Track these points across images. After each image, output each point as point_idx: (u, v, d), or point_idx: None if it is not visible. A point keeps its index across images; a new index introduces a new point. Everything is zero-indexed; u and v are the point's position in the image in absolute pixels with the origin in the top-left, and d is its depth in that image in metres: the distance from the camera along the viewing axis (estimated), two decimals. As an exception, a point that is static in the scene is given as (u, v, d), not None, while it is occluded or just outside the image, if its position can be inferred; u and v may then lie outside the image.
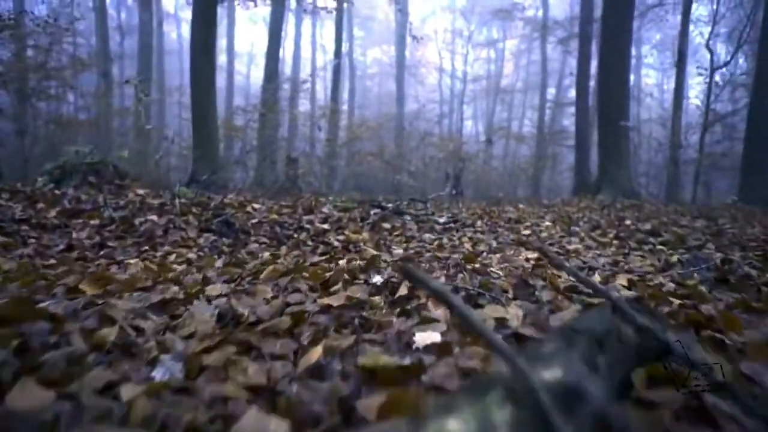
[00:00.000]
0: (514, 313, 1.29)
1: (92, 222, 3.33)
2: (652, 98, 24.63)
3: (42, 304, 1.23)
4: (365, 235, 3.54)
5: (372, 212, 4.66)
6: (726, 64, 14.40)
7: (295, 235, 3.53)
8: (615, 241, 3.63)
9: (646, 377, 0.82)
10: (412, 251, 2.85)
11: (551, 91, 25.09)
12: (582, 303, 1.43)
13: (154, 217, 3.54)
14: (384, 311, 1.30)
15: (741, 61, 17.14)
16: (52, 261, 2.45)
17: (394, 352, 1.00)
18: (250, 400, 0.78)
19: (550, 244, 3.51)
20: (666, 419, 0.73)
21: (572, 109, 17.72)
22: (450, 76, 30.25)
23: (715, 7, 14.33)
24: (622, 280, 1.86)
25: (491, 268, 2.10)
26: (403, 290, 1.45)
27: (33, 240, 2.91)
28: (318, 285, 1.63)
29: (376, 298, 1.41)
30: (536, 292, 1.56)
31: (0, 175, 8.28)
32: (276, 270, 1.83)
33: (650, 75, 29.41)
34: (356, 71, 29.30)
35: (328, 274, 1.72)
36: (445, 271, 2.02)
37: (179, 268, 2.28)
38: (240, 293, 1.50)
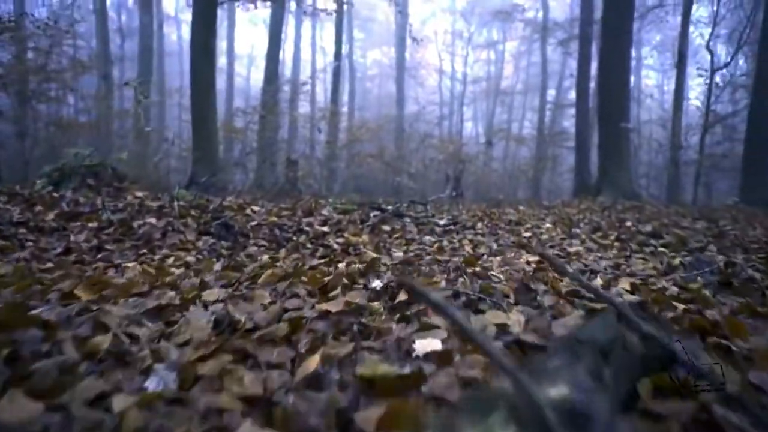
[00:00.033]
0: (515, 319, 1.26)
1: (90, 225, 3.31)
2: (652, 99, 24.62)
3: (35, 311, 1.21)
4: (365, 237, 3.52)
5: (372, 214, 4.64)
6: (726, 65, 14.39)
7: (295, 238, 3.51)
8: (616, 243, 3.60)
9: (652, 387, 0.80)
10: (412, 254, 2.83)
11: (551, 93, 25.09)
12: (584, 308, 1.41)
13: (153, 220, 3.52)
14: (383, 317, 1.28)
15: (741, 62, 17.11)
16: (49, 265, 2.42)
17: (394, 361, 0.98)
18: (245, 412, 0.76)
19: (551, 247, 3.49)
20: (674, 432, 0.71)
21: (572, 111, 17.71)
22: (450, 78, 30.26)
23: (715, 8, 14.32)
24: (624, 283, 1.84)
25: (492, 272, 2.08)
26: (402, 295, 1.43)
27: (30, 243, 2.88)
28: (316, 290, 1.61)
29: (376, 304, 1.39)
30: (538, 297, 1.54)
31: (0, 177, 8.27)
32: (274, 274, 1.81)
33: (650, 76, 29.40)
34: (356, 73, 29.30)
35: (326, 279, 1.70)
36: (445, 275, 2.00)
37: (177, 271, 2.26)
38: (237, 298, 1.48)
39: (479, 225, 4.60)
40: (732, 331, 1.19)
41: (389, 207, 5.09)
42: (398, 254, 2.81)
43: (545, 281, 1.77)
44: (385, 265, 2.30)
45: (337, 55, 17.59)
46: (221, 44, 24.53)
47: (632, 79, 15.05)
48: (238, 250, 3.10)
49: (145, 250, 2.93)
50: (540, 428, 0.41)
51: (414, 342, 1.05)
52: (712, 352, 1.06)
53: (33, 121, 10.96)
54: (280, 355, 0.99)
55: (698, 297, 1.64)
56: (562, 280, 1.80)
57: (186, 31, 21.94)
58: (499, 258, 2.72)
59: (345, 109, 23.62)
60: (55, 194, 4.33)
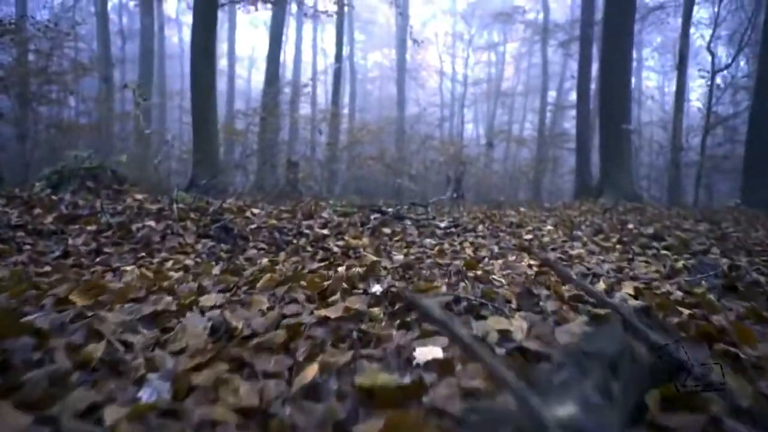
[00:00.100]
0: (518, 325, 1.24)
1: (89, 228, 3.29)
2: (653, 101, 24.58)
3: (29, 317, 1.19)
4: (365, 240, 3.50)
5: (372, 217, 4.62)
6: (727, 66, 14.36)
7: (294, 241, 3.49)
8: (618, 246, 3.58)
9: (660, 398, 0.77)
10: (412, 257, 2.80)
11: (552, 94, 25.07)
12: (588, 314, 1.38)
13: (152, 223, 3.50)
14: (383, 323, 1.26)
15: (742, 63, 17.09)
16: (47, 268, 2.40)
17: (394, 369, 0.96)
18: (240, 424, 0.74)
19: (553, 249, 3.47)
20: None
21: (573, 112, 17.70)
22: (451, 80, 30.25)
23: (716, 9, 14.29)
24: (628, 288, 1.81)
25: (493, 276, 2.06)
26: (405, 291, 1.40)
27: (28, 247, 2.86)
28: (316, 294, 1.58)
29: (376, 310, 1.36)
30: (540, 302, 1.52)
31: (0, 179, 8.25)
32: (273, 279, 1.79)
33: (651, 78, 29.37)
34: (357, 75, 29.31)
35: (326, 283, 1.68)
36: (446, 279, 1.98)
37: (176, 275, 2.24)
38: (235, 304, 1.45)
39: (480, 227, 4.58)
40: (740, 337, 1.16)
41: (390, 209, 5.07)
42: (399, 257, 2.79)
43: (547, 285, 1.75)
44: (385, 268, 2.28)
45: (338, 57, 17.60)
46: (222, 46, 24.57)
47: (633, 80, 15.02)
48: (237, 253, 3.08)
49: (143, 254, 2.91)
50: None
51: (414, 349, 1.03)
52: (720, 359, 1.04)
53: (34, 124, 10.95)
54: (278, 363, 0.97)
55: (703, 302, 1.62)
56: (564, 284, 1.78)
57: (187, 34, 21.94)
58: (500, 261, 2.70)
59: (346, 110, 23.62)
60: (54, 197, 4.31)
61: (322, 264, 2.55)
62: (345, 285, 1.64)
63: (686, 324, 1.32)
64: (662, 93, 27.71)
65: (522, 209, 7.50)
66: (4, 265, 2.39)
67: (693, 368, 0.84)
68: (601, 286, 1.94)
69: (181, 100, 17.10)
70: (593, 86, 15.35)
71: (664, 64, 24.85)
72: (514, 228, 4.68)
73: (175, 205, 3.82)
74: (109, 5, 19.03)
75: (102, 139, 13.16)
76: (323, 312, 1.30)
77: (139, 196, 4.63)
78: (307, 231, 3.80)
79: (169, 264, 2.64)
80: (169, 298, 1.50)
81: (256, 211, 4.53)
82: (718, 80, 13.80)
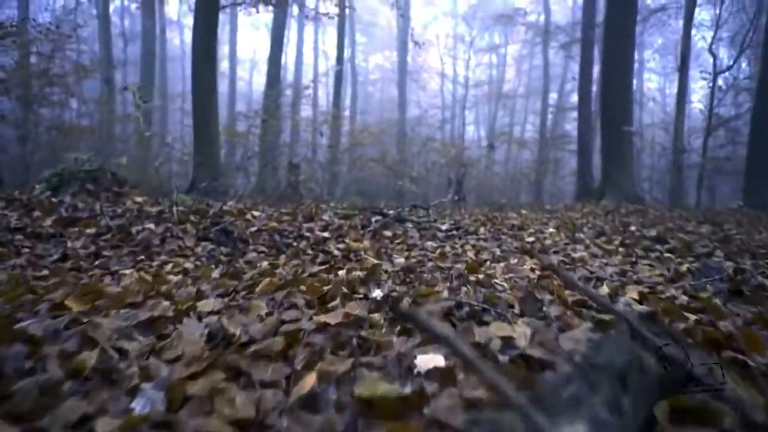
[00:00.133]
0: (521, 332, 1.21)
1: (88, 231, 3.27)
2: (654, 103, 24.56)
3: (22, 323, 1.17)
4: (366, 243, 3.47)
5: (373, 219, 4.60)
6: (729, 68, 14.33)
7: (295, 244, 3.46)
8: (621, 249, 3.55)
9: (669, 410, 0.75)
10: (413, 260, 2.78)
11: (553, 96, 25.06)
12: (592, 320, 1.36)
13: (152, 226, 3.48)
14: (384, 330, 1.24)
15: (744, 65, 17.07)
16: (45, 272, 2.38)
17: (394, 378, 0.94)
18: (235, 437, 0.72)
19: (555, 252, 3.44)
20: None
21: (574, 114, 17.68)
22: (452, 82, 30.26)
23: (717, 11, 14.27)
24: (632, 292, 1.78)
25: (495, 280, 2.04)
26: (404, 306, 1.38)
27: (27, 250, 2.84)
28: (315, 299, 1.56)
29: (376, 315, 1.34)
30: (544, 307, 1.49)
31: (1, 181, 8.24)
32: (272, 283, 1.77)
33: (652, 79, 29.36)
34: (358, 77, 29.32)
35: (326, 288, 1.65)
36: (447, 283, 1.95)
37: (175, 278, 2.22)
38: (233, 309, 1.43)
39: (482, 230, 4.56)
40: (748, 344, 1.14)
41: (391, 212, 5.04)
42: (400, 260, 2.77)
43: (551, 290, 1.72)
44: (386, 272, 2.26)
45: (339, 59, 17.61)
46: (224, 48, 24.60)
47: (634, 82, 15.00)
48: (237, 256, 3.06)
49: (143, 257, 2.88)
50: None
51: (415, 357, 1.00)
52: (729, 367, 1.01)
53: (35, 126, 10.95)
54: (275, 372, 0.94)
55: (709, 306, 1.59)
56: (567, 288, 1.76)
57: (189, 36, 21.98)
58: (502, 264, 2.67)
59: (347, 113, 23.58)
60: (53, 200, 4.30)
61: (323, 267, 2.53)
62: (345, 289, 1.62)
63: (693, 330, 1.29)
64: (663, 95, 27.70)
65: (523, 211, 7.47)
66: (2, 268, 2.37)
67: (703, 378, 0.81)
68: (604, 290, 1.91)
69: (183, 102, 17.10)
70: (594, 88, 15.33)
71: (666, 65, 24.85)
72: (516, 231, 4.65)
73: (175, 208, 3.80)
74: (111, 8, 19.08)
75: (103, 142, 13.16)
76: (323, 318, 1.28)
77: (139, 199, 4.61)
78: (307, 234, 3.78)
79: (169, 267, 2.62)
80: (166, 303, 1.48)
81: (256, 213, 4.50)
82: (720, 82, 13.78)
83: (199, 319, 1.33)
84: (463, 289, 1.76)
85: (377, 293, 1.56)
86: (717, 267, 2.45)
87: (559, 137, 21.20)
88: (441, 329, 0.43)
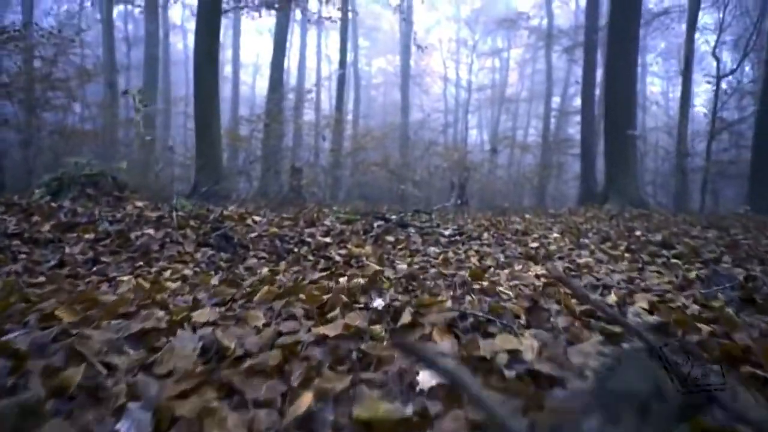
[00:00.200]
0: (528, 344, 1.16)
1: (87, 236, 3.23)
2: (657, 106, 24.49)
3: (9, 336, 1.12)
4: (368, 248, 3.43)
5: (375, 224, 4.55)
6: (732, 71, 14.27)
7: (296, 250, 3.42)
8: (627, 254, 3.50)
9: (691, 436, 0.70)
10: (416, 266, 2.73)
11: (556, 100, 25.02)
12: (602, 331, 1.30)
13: (151, 231, 3.44)
14: (385, 343, 1.19)
15: (747, 68, 17.01)
16: (41, 279, 2.35)
17: (395, 396, 0.89)
18: (224, 464, 0.67)
19: (560, 258, 3.39)
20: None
21: (577, 118, 17.63)
22: (455, 86, 30.27)
23: (721, 15, 14.22)
24: (641, 301, 1.73)
25: (500, 287, 1.98)
26: (406, 317, 1.33)
27: (24, 256, 2.81)
28: (315, 309, 1.51)
29: (377, 327, 1.29)
30: (551, 318, 1.44)
31: (3, 185, 8.23)
32: (271, 291, 1.72)
33: (655, 83, 29.32)
34: (361, 81, 29.32)
35: (326, 297, 1.61)
36: (451, 292, 1.90)
37: (173, 285, 2.18)
38: (229, 319, 1.39)
39: (485, 235, 4.50)
40: (767, 359, 1.08)
41: (393, 216, 4.99)
42: (402, 267, 2.72)
43: (557, 299, 1.67)
44: (388, 279, 2.21)
45: (342, 63, 17.60)
46: (227, 53, 24.69)
47: (638, 85, 14.93)
48: (237, 262, 3.01)
49: (141, 263, 2.84)
50: None
51: (418, 373, 0.95)
52: (748, 385, 0.96)
53: (37, 130, 10.95)
54: (270, 390, 0.90)
55: (722, 317, 1.53)
56: (577, 300, 1.70)
57: (192, 40, 22.08)
58: (507, 271, 2.62)
59: (350, 117, 23.58)
60: (53, 204, 4.26)
61: (324, 274, 2.49)
62: (345, 298, 1.57)
63: (707, 343, 1.24)
64: (666, 98, 27.65)
65: (527, 216, 7.42)
66: (-3, 275, 2.33)
67: (723, 398, 0.76)
68: (612, 298, 1.86)
69: (186, 106, 17.11)
70: (597, 92, 15.28)
71: (669, 69, 24.75)
72: (520, 235, 4.60)
73: (174, 213, 3.76)
74: (115, 12, 19.11)
75: (106, 146, 13.16)
76: (322, 329, 1.23)
77: (139, 204, 4.57)
78: (309, 239, 3.73)
79: (167, 274, 2.57)
80: (161, 313, 1.43)
81: (257, 218, 4.46)
82: (724, 85, 13.72)
83: (194, 330, 1.28)
84: (467, 298, 1.71)
85: (378, 303, 1.51)
86: (727, 274, 2.39)
87: (562, 141, 21.15)
88: (445, 363, 0.39)
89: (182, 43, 28.77)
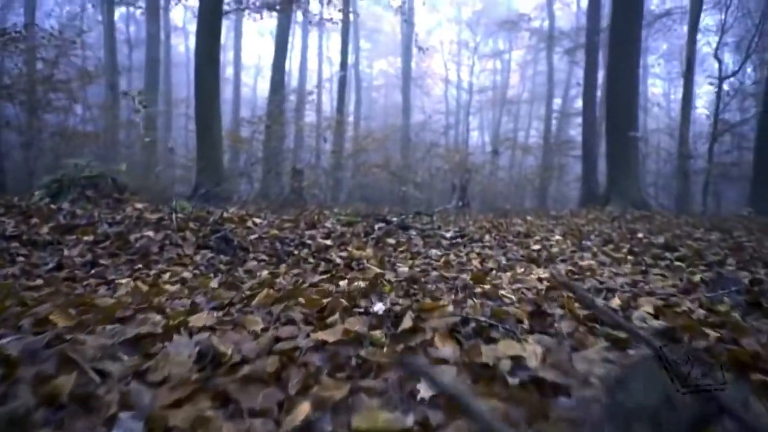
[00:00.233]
0: (531, 351, 1.14)
1: (85, 238, 3.21)
2: (659, 108, 24.46)
3: (0, 341, 1.10)
4: (369, 251, 3.40)
5: (376, 227, 4.52)
6: (734, 73, 14.23)
7: (296, 252, 3.39)
8: (629, 257, 3.47)
9: (702, 448, 0.67)
10: (417, 269, 2.71)
11: (557, 102, 25.01)
12: (607, 337, 1.28)
13: (151, 233, 3.42)
14: (385, 349, 1.16)
15: (749, 70, 16.96)
16: (39, 281, 2.32)
17: (396, 405, 0.86)
18: (217, 478, 0.64)
19: (562, 261, 3.36)
20: None
21: (579, 120, 17.60)
22: (456, 87, 30.27)
23: (722, 16, 14.18)
24: (646, 305, 1.70)
25: (502, 291, 1.96)
26: (407, 322, 1.31)
27: (22, 258, 2.79)
28: (314, 313, 1.49)
29: (377, 333, 1.26)
30: (554, 323, 1.41)
31: (4, 186, 8.22)
32: (270, 295, 1.69)
33: (657, 84, 29.30)
34: (362, 83, 29.34)
35: (325, 300, 1.58)
36: (453, 295, 1.88)
37: (172, 288, 2.16)
38: (227, 324, 1.36)
39: (487, 237, 4.48)
40: (777, 366, 1.06)
41: (394, 218, 4.97)
42: (403, 269, 2.69)
43: (561, 304, 1.64)
44: (389, 282, 2.18)
45: (344, 65, 17.59)
46: (228, 54, 24.70)
47: (639, 87, 14.90)
48: (237, 265, 2.99)
49: (140, 265, 2.82)
50: None
51: (419, 381, 0.93)
52: (758, 392, 0.93)
53: (38, 132, 10.95)
54: (267, 398, 0.87)
55: (729, 322, 1.51)
56: (577, 301, 1.68)
57: (193, 42, 22.08)
58: (509, 274, 2.59)
59: (351, 118, 23.57)
60: (52, 206, 4.24)
61: (324, 276, 2.46)
62: (345, 302, 1.54)
63: (714, 349, 1.21)
64: (668, 100, 27.62)
65: (529, 218, 7.39)
66: (-6, 277, 2.31)
67: (735, 409, 0.73)
68: (616, 301, 1.83)
69: (187, 107, 17.12)
70: (599, 93, 15.25)
71: (671, 70, 24.73)
72: (522, 238, 4.57)
73: (174, 215, 3.74)
74: (116, 14, 19.15)
75: (107, 147, 13.16)
76: (321, 335, 1.20)
77: (139, 205, 4.55)
78: (309, 242, 3.71)
79: (166, 276, 2.55)
80: (157, 317, 1.41)
81: (257, 220, 4.44)
82: (726, 87, 13.68)
83: (190, 335, 1.26)
84: (469, 302, 1.68)
85: (379, 307, 1.49)
86: (732, 277, 2.36)
87: (563, 143, 21.12)
88: (453, 386, 0.36)
89: (184, 44, 28.80)
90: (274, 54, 15.73)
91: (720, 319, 1.56)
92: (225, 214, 4.35)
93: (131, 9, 21.75)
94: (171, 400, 0.83)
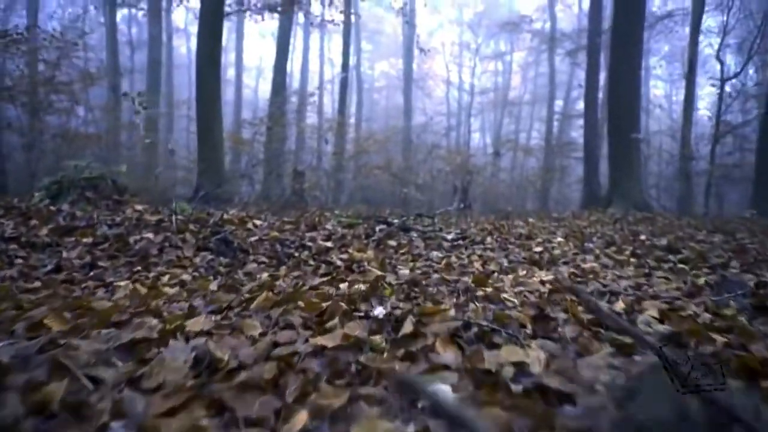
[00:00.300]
0: (535, 356, 1.11)
1: (85, 240, 3.19)
2: (661, 109, 24.42)
3: (-7, 347, 1.08)
4: (370, 253, 3.38)
5: (377, 228, 4.50)
6: (736, 75, 14.18)
7: (297, 254, 3.37)
8: (632, 259, 3.44)
9: (714, 461, 0.65)
10: (418, 272, 2.68)
11: (559, 103, 24.97)
12: (611, 342, 1.25)
13: (150, 235, 3.40)
14: (385, 354, 1.13)
15: (751, 71, 16.92)
16: (37, 284, 2.30)
17: (396, 414, 0.84)
18: (209, 492, 0.62)
19: (565, 263, 3.33)
20: None
21: (580, 121, 17.58)
22: (457, 89, 30.26)
23: (724, 18, 14.15)
24: (651, 309, 1.67)
25: (504, 294, 1.93)
26: (408, 327, 1.28)
27: (20, 260, 2.77)
28: (313, 317, 1.46)
29: (377, 337, 1.24)
30: (558, 327, 1.39)
31: (5, 188, 8.21)
32: (269, 298, 1.67)
33: (658, 86, 29.25)
34: (364, 84, 29.35)
35: (325, 304, 1.56)
36: (454, 299, 1.85)
37: (171, 291, 2.14)
38: (224, 329, 1.34)
39: (488, 239, 4.45)
40: (787, 373, 1.03)
41: (396, 220, 4.95)
42: (404, 272, 2.66)
43: (564, 307, 1.62)
44: (389, 284, 2.16)
45: (345, 66, 17.59)
46: (230, 56, 24.72)
47: (641, 89, 14.86)
48: (236, 267, 2.97)
49: (139, 267, 2.80)
50: None
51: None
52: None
53: (40, 133, 10.95)
54: (263, 406, 0.85)
55: (736, 326, 1.48)
56: (581, 304, 1.65)
57: (195, 43, 22.09)
58: (511, 276, 2.57)
59: (352, 120, 23.57)
60: (52, 208, 4.22)
61: (324, 279, 2.44)
62: (345, 306, 1.52)
63: (722, 354, 1.19)
64: (670, 101, 27.56)
65: (530, 220, 7.36)
66: (-9, 280, 2.29)
67: (748, 419, 0.71)
68: (620, 305, 1.81)
69: (189, 109, 17.15)
70: (601, 95, 15.22)
71: (672, 72, 24.68)
72: (523, 240, 4.54)
73: (174, 217, 3.72)
74: (118, 16, 19.18)
75: (109, 149, 13.16)
76: (320, 340, 1.18)
77: (139, 207, 4.53)
78: (309, 243, 3.69)
79: (165, 279, 2.53)
80: (154, 321, 1.38)
81: (258, 222, 4.42)
82: (728, 88, 13.64)
83: (187, 340, 1.23)
84: (471, 305, 1.66)
85: (379, 311, 1.46)
86: (737, 280, 2.33)
87: (565, 144, 21.09)
88: (453, 404, 0.34)
89: (185, 46, 28.83)
90: (276, 55, 15.73)
91: (726, 324, 1.53)
92: (225, 216, 4.34)
93: (133, 11, 21.81)
94: (165, 408, 0.81)
